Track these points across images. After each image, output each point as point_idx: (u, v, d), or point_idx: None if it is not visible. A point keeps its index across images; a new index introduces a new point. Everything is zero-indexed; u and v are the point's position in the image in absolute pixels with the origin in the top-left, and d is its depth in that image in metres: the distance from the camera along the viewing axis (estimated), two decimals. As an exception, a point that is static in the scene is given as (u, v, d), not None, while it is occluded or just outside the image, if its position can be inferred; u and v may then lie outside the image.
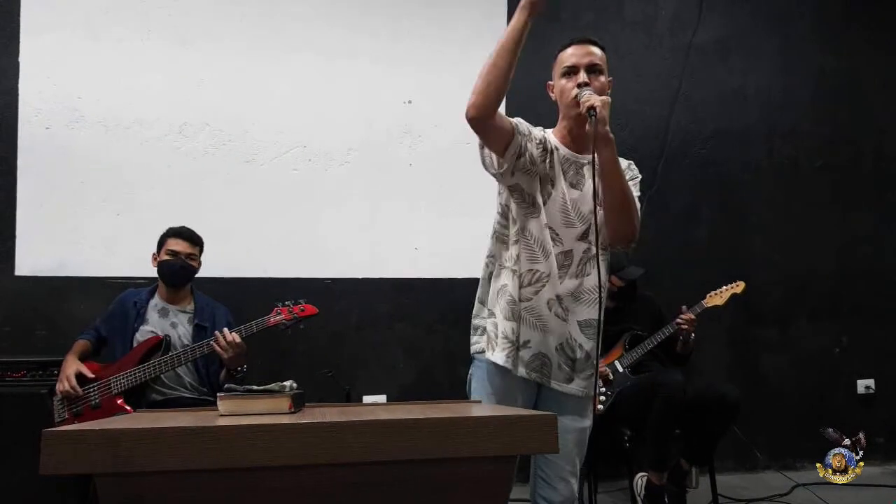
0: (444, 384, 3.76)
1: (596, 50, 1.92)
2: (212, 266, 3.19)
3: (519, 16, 1.76)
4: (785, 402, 4.14)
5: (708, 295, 3.22)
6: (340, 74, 3.77)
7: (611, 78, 1.95)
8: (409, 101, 3.85)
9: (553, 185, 1.91)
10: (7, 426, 2.85)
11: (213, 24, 3.65)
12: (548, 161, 1.91)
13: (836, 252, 4.30)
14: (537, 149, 1.90)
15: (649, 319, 3.28)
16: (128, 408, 2.63)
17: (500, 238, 1.97)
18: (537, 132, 1.94)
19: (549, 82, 2.00)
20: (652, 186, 4.05)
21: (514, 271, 1.89)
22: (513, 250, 1.90)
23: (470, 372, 1.99)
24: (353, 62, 3.79)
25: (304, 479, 1.16)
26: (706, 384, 3.08)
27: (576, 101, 1.85)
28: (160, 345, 2.74)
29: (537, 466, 1.96)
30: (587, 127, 1.80)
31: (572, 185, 1.93)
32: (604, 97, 1.80)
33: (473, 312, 2.02)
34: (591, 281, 1.93)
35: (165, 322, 2.86)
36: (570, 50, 1.93)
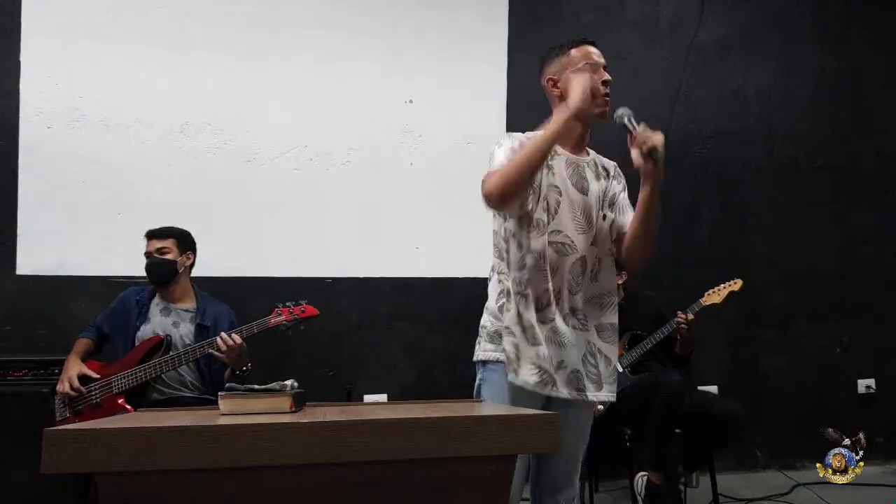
0: (444, 384, 3.76)
1: None
2: (213, 265, 3.19)
3: (563, 117, 1.79)
4: (785, 402, 4.14)
5: (706, 293, 3.22)
6: (341, 74, 3.78)
7: None
8: (410, 101, 3.86)
9: (560, 193, 1.89)
10: (8, 425, 2.86)
11: (213, 24, 3.65)
12: (548, 171, 1.88)
13: (836, 252, 4.30)
14: (540, 170, 1.88)
15: (649, 319, 3.28)
16: (128, 407, 2.64)
17: (501, 257, 1.92)
18: None
19: (551, 77, 1.95)
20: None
21: (525, 296, 1.85)
22: (521, 275, 1.86)
23: (480, 377, 1.94)
24: (353, 62, 3.79)
25: (304, 479, 1.16)
26: (710, 398, 3.07)
27: (601, 102, 1.87)
28: (161, 344, 2.75)
29: (539, 464, 1.95)
30: (646, 164, 1.78)
31: (579, 190, 1.92)
32: (660, 135, 1.78)
33: (484, 319, 1.97)
34: (604, 286, 1.94)
35: (168, 321, 2.87)
36: (588, 48, 1.93)
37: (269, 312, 2.76)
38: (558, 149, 1.92)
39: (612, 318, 1.97)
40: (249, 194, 3.64)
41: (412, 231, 3.80)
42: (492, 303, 1.94)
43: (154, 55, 3.57)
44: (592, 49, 1.93)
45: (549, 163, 1.89)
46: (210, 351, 2.66)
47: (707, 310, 3.20)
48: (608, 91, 1.90)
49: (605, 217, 1.96)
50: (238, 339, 2.65)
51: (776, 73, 4.31)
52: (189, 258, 2.96)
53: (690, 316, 3.10)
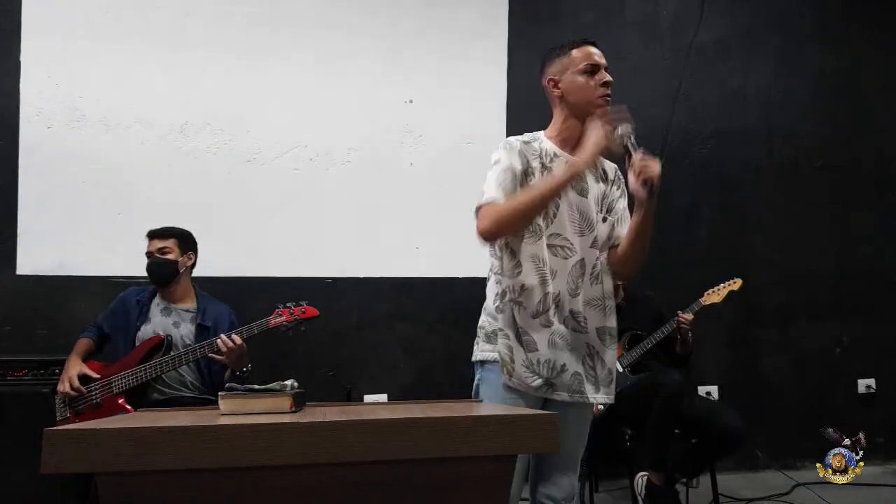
0: (444, 384, 3.76)
1: None
2: (213, 265, 3.20)
3: (570, 173, 1.80)
4: (785, 401, 4.14)
5: (706, 293, 3.22)
6: (341, 74, 3.78)
7: None
8: (410, 101, 3.86)
9: (560, 196, 1.88)
10: (9, 425, 2.86)
11: (213, 24, 3.65)
12: (547, 173, 1.88)
13: (836, 252, 4.30)
14: (539, 173, 1.88)
15: (649, 319, 3.28)
16: (129, 407, 2.64)
17: (499, 261, 1.92)
18: (534, 147, 1.91)
19: (552, 77, 1.94)
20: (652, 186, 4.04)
21: (520, 303, 1.85)
22: (516, 282, 1.86)
23: (478, 377, 1.95)
24: (353, 62, 3.79)
25: (304, 479, 1.16)
26: (712, 408, 3.07)
27: (603, 102, 1.87)
28: (161, 344, 2.75)
29: (538, 464, 1.96)
30: (641, 192, 1.78)
31: (578, 192, 1.91)
32: (658, 166, 1.79)
33: (482, 320, 1.97)
34: (604, 288, 1.95)
35: (168, 321, 2.87)
36: (590, 48, 1.92)
37: (270, 313, 2.76)
38: (558, 150, 1.92)
39: (612, 321, 1.98)
40: (249, 194, 3.64)
41: (412, 231, 3.80)
42: (489, 303, 1.94)
43: (154, 55, 3.57)
44: (593, 49, 1.92)
45: (549, 165, 1.90)
46: (210, 354, 2.67)
47: (707, 309, 3.21)
48: (609, 92, 1.90)
49: (604, 219, 1.96)
50: (238, 339, 2.65)
51: (776, 73, 4.31)
52: (190, 258, 2.96)
53: (690, 316, 3.10)
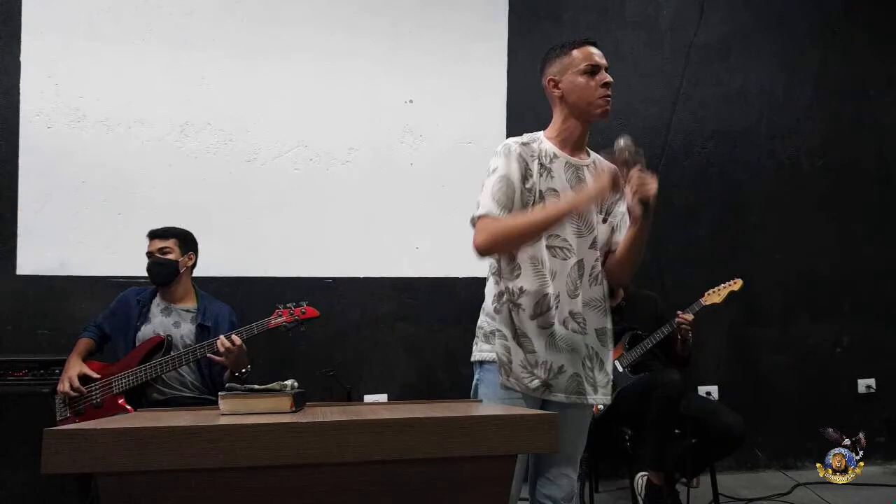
0: (445, 384, 3.76)
1: None
2: (213, 265, 3.20)
3: (567, 209, 1.79)
4: (785, 401, 4.14)
5: (706, 293, 3.22)
6: (341, 74, 3.78)
7: None
8: (411, 101, 3.86)
9: (559, 198, 1.87)
10: (9, 425, 2.86)
11: (214, 24, 3.65)
12: (547, 175, 1.88)
13: (836, 252, 4.30)
14: (538, 174, 1.87)
15: (649, 319, 3.27)
16: (129, 407, 2.64)
17: (497, 262, 1.92)
18: (532, 149, 1.90)
19: (552, 78, 1.94)
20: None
21: (518, 305, 1.85)
22: (514, 284, 1.86)
23: (477, 377, 1.95)
24: (354, 62, 3.79)
25: (304, 479, 1.16)
26: (712, 408, 3.07)
27: (603, 102, 1.87)
28: (162, 345, 2.75)
29: (538, 463, 1.96)
30: (636, 209, 1.77)
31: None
32: (654, 185, 1.77)
33: (481, 320, 1.97)
34: (603, 289, 1.96)
35: (168, 321, 2.87)
36: (590, 49, 1.91)
37: (270, 313, 2.76)
38: (557, 151, 1.92)
39: (609, 322, 1.98)
40: (249, 194, 3.64)
41: (412, 231, 3.80)
42: (488, 304, 1.94)
43: (154, 55, 3.57)
44: (594, 49, 1.92)
45: (549, 166, 1.89)
46: (209, 355, 2.66)
47: (707, 310, 3.20)
48: (609, 92, 1.90)
49: (604, 220, 1.96)
50: (238, 340, 2.65)
51: (776, 73, 4.31)
52: (191, 258, 2.96)
53: (690, 316, 3.09)
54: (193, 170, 3.59)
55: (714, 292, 3.21)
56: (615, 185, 1.78)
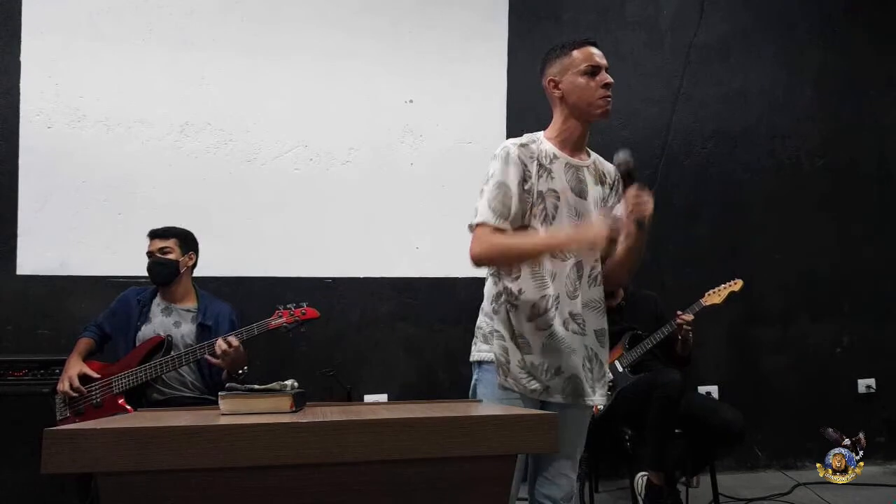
0: (445, 384, 3.76)
1: None
2: (213, 265, 3.20)
3: (563, 243, 1.84)
4: (785, 401, 4.14)
5: (706, 293, 3.22)
6: (341, 74, 3.78)
7: None
8: (411, 101, 3.86)
9: (559, 198, 1.88)
10: (9, 425, 2.86)
11: (214, 24, 3.65)
12: (547, 175, 1.87)
13: (836, 252, 4.30)
14: (537, 175, 1.87)
15: (650, 319, 3.27)
16: (129, 407, 2.64)
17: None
18: (531, 150, 1.89)
19: (552, 78, 1.93)
20: (653, 186, 4.04)
21: (516, 306, 1.85)
22: (513, 285, 1.86)
23: (475, 377, 1.95)
24: (354, 62, 3.79)
25: (304, 479, 1.16)
26: (712, 405, 3.06)
27: (603, 103, 1.87)
28: (162, 345, 2.75)
29: (537, 463, 1.96)
30: (630, 226, 1.82)
31: (577, 194, 1.91)
32: (650, 204, 1.80)
33: (479, 320, 1.97)
34: (600, 291, 1.96)
35: (169, 321, 2.87)
36: (590, 49, 1.91)
37: (270, 313, 2.76)
38: (557, 151, 1.91)
39: (606, 323, 1.99)
40: (249, 194, 3.64)
41: (412, 231, 3.80)
42: (487, 304, 1.94)
43: (154, 55, 3.57)
44: (594, 50, 1.91)
45: (549, 166, 1.89)
46: (206, 356, 2.66)
47: (707, 310, 3.20)
48: (609, 93, 1.89)
49: None
50: (235, 342, 2.64)
51: (776, 73, 4.31)
52: (191, 258, 2.96)
53: (690, 316, 3.09)
54: (193, 170, 3.59)
55: (714, 293, 3.21)
56: (612, 241, 1.84)
